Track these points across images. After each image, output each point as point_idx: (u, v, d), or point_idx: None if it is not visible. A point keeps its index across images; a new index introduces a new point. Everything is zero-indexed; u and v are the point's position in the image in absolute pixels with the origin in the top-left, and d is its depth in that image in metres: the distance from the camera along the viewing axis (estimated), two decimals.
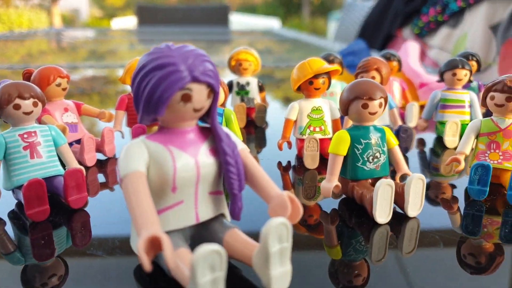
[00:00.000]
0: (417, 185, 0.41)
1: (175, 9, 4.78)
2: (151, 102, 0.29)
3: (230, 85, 0.76)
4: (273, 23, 7.19)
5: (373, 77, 0.62)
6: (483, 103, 0.50)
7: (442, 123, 0.67)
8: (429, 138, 0.72)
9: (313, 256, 0.37)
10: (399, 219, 0.42)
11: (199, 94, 0.30)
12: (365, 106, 0.43)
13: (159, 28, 3.71)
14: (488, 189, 0.46)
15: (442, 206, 0.46)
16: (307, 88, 0.57)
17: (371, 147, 0.44)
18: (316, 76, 0.56)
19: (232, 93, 0.76)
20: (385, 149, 0.45)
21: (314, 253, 0.37)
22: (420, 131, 0.73)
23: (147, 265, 0.26)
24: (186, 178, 0.31)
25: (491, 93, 0.48)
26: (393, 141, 0.46)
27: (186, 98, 0.30)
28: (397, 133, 0.60)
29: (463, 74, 0.66)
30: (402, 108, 0.77)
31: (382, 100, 0.43)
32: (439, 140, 0.68)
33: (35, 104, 0.43)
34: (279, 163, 0.58)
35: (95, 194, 0.48)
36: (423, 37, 2.29)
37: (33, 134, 0.44)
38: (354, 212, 0.43)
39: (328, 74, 0.58)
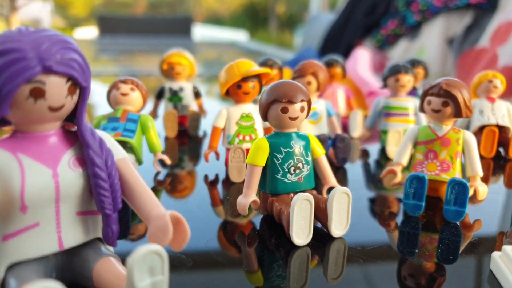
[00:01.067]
0: (341, 200, 0.36)
1: (137, 19, 4.71)
2: None
3: (161, 90, 0.70)
4: (240, 35, 7.19)
5: (309, 82, 0.57)
6: (421, 109, 0.46)
7: (386, 132, 0.63)
8: (374, 148, 0.68)
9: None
10: (322, 239, 0.37)
11: (56, 89, 0.24)
12: (284, 110, 0.37)
13: (120, 39, 3.63)
14: (424, 203, 0.41)
15: (378, 223, 0.42)
16: (236, 92, 0.52)
17: (292, 157, 0.39)
18: (245, 80, 0.51)
19: (164, 99, 0.70)
20: (310, 159, 0.40)
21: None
22: (364, 141, 0.68)
23: None
24: (39, 195, 0.25)
25: (428, 98, 0.44)
26: (319, 150, 0.41)
27: (37, 93, 0.24)
28: (334, 143, 0.55)
29: (406, 80, 0.62)
30: (346, 117, 0.72)
31: (304, 104, 0.38)
32: (384, 151, 0.64)
33: None
34: (206, 177, 0.53)
35: None
36: (383, 49, 2.30)
37: None
38: (277, 232, 0.38)
39: (259, 78, 0.52)
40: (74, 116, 0.27)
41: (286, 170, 0.38)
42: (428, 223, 0.41)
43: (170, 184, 0.51)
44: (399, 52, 2.18)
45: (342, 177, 0.54)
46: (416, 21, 2.13)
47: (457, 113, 0.43)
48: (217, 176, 0.53)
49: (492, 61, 1.66)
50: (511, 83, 1.49)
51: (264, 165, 0.38)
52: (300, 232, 0.35)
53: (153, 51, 2.81)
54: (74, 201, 0.27)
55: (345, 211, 0.37)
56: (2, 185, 0.24)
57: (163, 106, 0.71)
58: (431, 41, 2.02)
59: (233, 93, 0.52)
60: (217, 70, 1.82)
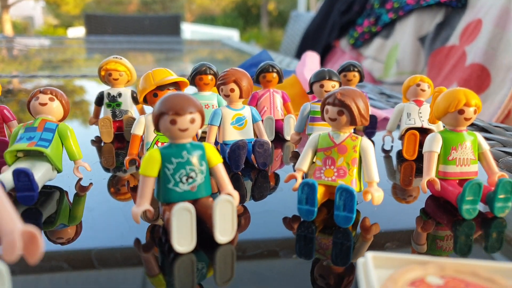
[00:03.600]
0: (223, 207, 0.38)
1: (125, 18, 4.70)
2: None
3: (101, 96, 0.72)
4: (232, 33, 7.20)
5: (232, 89, 0.59)
6: (322, 117, 0.48)
7: None
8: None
9: None
10: (208, 246, 0.39)
11: None
12: (173, 122, 0.39)
13: (108, 37, 3.63)
14: (316, 209, 0.43)
15: (284, 226, 0.44)
16: (153, 101, 0.54)
17: (184, 167, 0.40)
18: (161, 88, 0.53)
19: (104, 105, 0.72)
20: (204, 168, 0.41)
21: None
22: (295, 145, 0.70)
23: None
24: None
25: (325, 107, 0.46)
26: (215, 159, 0.42)
27: None
28: (253, 148, 0.57)
29: (330, 86, 0.64)
30: (281, 121, 0.74)
31: (195, 115, 0.40)
32: None
33: None
34: (127, 183, 0.55)
35: None
36: (359, 48, 2.33)
37: None
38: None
39: (177, 85, 0.54)
40: None
41: (178, 179, 0.40)
42: (325, 227, 0.43)
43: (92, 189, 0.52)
44: (374, 50, 2.20)
45: (264, 182, 0.56)
46: (390, 19, 2.15)
47: (352, 122, 0.45)
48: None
49: (461, 58, 1.69)
50: (478, 80, 1.53)
51: (156, 175, 0.40)
52: (182, 240, 0.37)
53: (142, 50, 2.81)
54: None
55: (230, 218, 0.38)
56: None
57: (102, 112, 0.73)
58: (404, 39, 2.04)
59: (151, 101, 0.54)
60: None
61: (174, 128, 0.39)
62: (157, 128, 0.41)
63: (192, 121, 0.40)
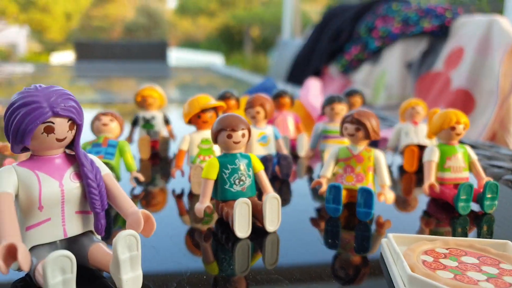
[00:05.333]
0: (272, 202, 0.48)
1: (113, 45, 4.79)
2: (17, 133, 0.35)
3: (136, 119, 0.81)
4: (215, 59, 7.33)
5: (258, 112, 0.70)
6: (341, 133, 0.58)
7: (324, 152, 0.75)
8: (317, 165, 0.80)
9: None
10: (260, 234, 0.49)
11: (61, 126, 0.36)
12: (229, 137, 0.49)
13: (97, 64, 3.72)
14: (341, 207, 0.53)
15: (311, 223, 0.53)
16: (196, 121, 0.64)
17: (237, 172, 0.50)
18: (204, 111, 0.63)
19: (139, 127, 0.82)
20: (251, 173, 0.52)
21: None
22: (308, 159, 0.81)
23: (3, 270, 0.31)
24: (51, 199, 0.36)
25: (344, 125, 0.57)
26: (258, 166, 0.53)
27: (49, 129, 0.35)
28: (278, 161, 0.67)
29: (339, 108, 0.75)
30: (295, 140, 0.85)
31: (245, 131, 0.50)
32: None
33: None
34: (173, 191, 0.64)
35: None
36: (347, 74, 2.44)
37: None
38: (225, 232, 0.49)
39: (215, 109, 0.64)
40: (72, 145, 0.38)
41: (232, 182, 0.50)
42: (347, 223, 0.53)
43: (144, 198, 0.61)
44: (362, 76, 2.33)
45: (286, 190, 0.66)
46: (377, 46, 2.26)
47: (367, 136, 0.56)
48: (182, 191, 0.64)
49: (446, 83, 1.81)
50: (463, 103, 1.65)
51: (215, 178, 0.50)
52: (241, 228, 0.47)
53: (129, 76, 2.91)
54: (74, 204, 0.38)
55: (276, 212, 0.48)
56: (26, 192, 0.36)
57: (138, 132, 0.83)
58: (392, 65, 2.15)
59: (194, 122, 0.64)
60: (192, 94, 1.93)
61: (230, 141, 0.50)
62: (215, 141, 0.51)
63: (243, 135, 0.50)
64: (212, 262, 0.43)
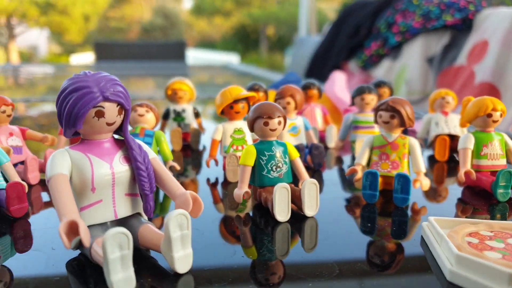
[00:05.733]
0: (310, 188, 0.48)
1: (132, 45, 4.84)
2: (70, 118, 0.36)
3: (167, 112, 0.83)
4: (232, 58, 7.35)
5: (288, 102, 0.70)
6: (375, 121, 0.58)
7: (355, 142, 0.76)
8: (347, 156, 0.80)
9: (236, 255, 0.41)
10: (299, 218, 0.49)
11: (111, 111, 0.37)
12: (266, 124, 0.50)
13: (116, 63, 3.76)
14: (378, 193, 0.53)
15: (346, 211, 0.53)
16: (229, 112, 0.64)
17: (274, 158, 0.51)
18: (236, 102, 0.64)
19: (170, 119, 0.83)
20: (287, 160, 0.52)
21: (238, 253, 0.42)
22: (338, 150, 0.81)
23: (67, 244, 0.32)
24: (102, 181, 0.38)
25: (379, 112, 0.57)
26: (294, 154, 0.53)
27: (99, 114, 0.36)
28: (310, 150, 0.68)
29: (370, 99, 0.75)
30: (323, 131, 0.85)
31: (281, 119, 0.51)
32: (354, 157, 0.76)
33: None
34: (207, 180, 0.65)
35: (39, 209, 0.53)
36: (367, 69, 2.42)
37: None
38: (263, 217, 0.50)
39: (247, 100, 0.65)
40: (120, 129, 0.39)
41: (270, 168, 0.51)
42: (383, 209, 0.53)
43: None
44: (383, 71, 2.31)
45: (319, 179, 0.66)
46: (397, 41, 2.24)
47: (402, 124, 0.56)
48: (216, 179, 0.65)
49: (470, 77, 1.79)
50: None
51: (252, 165, 0.51)
52: (281, 211, 0.47)
53: (149, 76, 2.94)
54: (124, 186, 0.39)
55: (314, 197, 0.49)
56: (79, 174, 0.37)
57: (169, 125, 0.84)
58: (412, 60, 2.13)
59: (227, 112, 0.65)
60: (210, 92, 1.96)
61: (267, 129, 0.50)
62: (251, 129, 0.52)
63: (279, 123, 0.51)
64: (251, 246, 0.43)
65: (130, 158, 0.39)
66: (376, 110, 0.57)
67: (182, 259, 0.36)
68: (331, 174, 0.70)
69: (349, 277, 0.37)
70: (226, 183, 0.63)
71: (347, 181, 0.65)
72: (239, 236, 0.46)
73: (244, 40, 10.53)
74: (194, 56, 7.55)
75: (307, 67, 2.96)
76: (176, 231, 0.35)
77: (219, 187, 0.62)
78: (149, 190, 0.39)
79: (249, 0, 10.31)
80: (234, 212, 0.52)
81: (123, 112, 0.38)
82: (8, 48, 7.32)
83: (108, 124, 0.37)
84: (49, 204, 0.55)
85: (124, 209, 0.40)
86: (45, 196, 0.58)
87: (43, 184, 0.62)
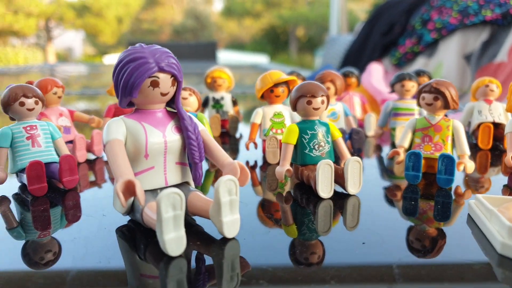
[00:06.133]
0: (354, 165, 0.48)
1: (165, 45, 4.87)
2: (127, 87, 0.37)
3: (206, 99, 0.84)
4: (261, 59, 7.37)
5: (328, 87, 0.70)
6: (418, 103, 0.58)
7: (394, 129, 0.75)
8: (387, 146, 0.79)
9: (275, 233, 0.41)
10: (341, 196, 0.49)
11: (165, 81, 0.38)
12: (309, 103, 0.50)
13: None
14: (421, 174, 0.53)
15: (387, 193, 0.53)
16: (269, 96, 0.65)
17: (316, 137, 0.51)
18: (276, 85, 0.64)
19: (209, 106, 0.84)
20: (330, 139, 0.52)
21: (276, 231, 0.41)
22: (377, 138, 0.80)
23: (123, 202, 0.34)
24: (156, 148, 0.39)
25: (422, 94, 0.56)
26: (337, 134, 0.53)
27: (154, 84, 0.38)
28: (350, 136, 0.68)
29: (410, 86, 0.74)
30: (362, 120, 0.84)
31: (324, 98, 0.51)
32: (394, 145, 0.76)
33: (36, 103, 0.53)
34: (247, 162, 0.65)
35: (86, 185, 0.56)
36: (402, 67, 2.39)
37: (34, 127, 0.53)
38: (304, 195, 0.50)
39: (287, 84, 0.65)
40: (172, 101, 0.41)
41: (312, 147, 0.51)
42: (426, 191, 0.53)
43: (219, 172, 0.63)
44: (417, 69, 2.28)
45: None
46: (433, 38, 2.20)
47: (446, 106, 0.55)
48: (255, 162, 0.65)
49: (511, 75, 1.74)
50: None
51: (295, 143, 0.51)
52: (324, 188, 0.47)
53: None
54: (175, 155, 0.40)
55: (357, 174, 0.49)
56: (133, 141, 0.38)
57: (208, 112, 0.85)
58: (449, 57, 2.09)
59: (267, 96, 0.65)
60: (240, 91, 1.97)
61: (310, 107, 0.50)
62: (294, 109, 0.52)
63: (322, 102, 0.51)
64: (292, 225, 0.43)
65: (181, 128, 0.40)
66: (419, 92, 0.57)
67: (230, 224, 0.37)
68: (370, 162, 0.69)
69: (394, 254, 0.37)
70: (265, 166, 0.63)
71: (386, 168, 0.64)
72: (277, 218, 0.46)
73: (274, 41, 10.54)
74: (224, 57, 7.62)
75: (339, 66, 2.94)
76: (225, 195, 0.36)
77: (258, 170, 0.63)
78: (199, 158, 0.41)
79: (279, 1, 10.32)
80: (273, 193, 0.52)
81: (176, 84, 0.40)
82: (45, 50, 7.54)
83: (162, 94, 0.39)
84: (95, 181, 0.57)
85: (174, 177, 0.41)
86: (90, 176, 0.60)
87: (89, 163, 0.64)
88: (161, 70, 0.37)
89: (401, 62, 2.36)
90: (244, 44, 10.92)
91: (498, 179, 0.59)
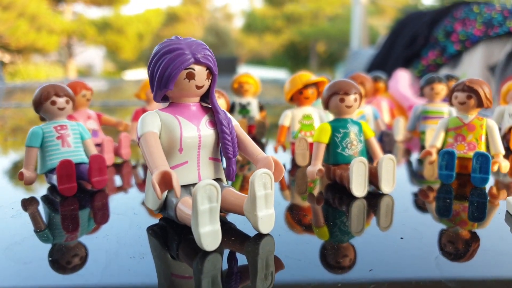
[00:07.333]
0: (388, 163, 0.48)
1: None
2: (163, 78, 0.37)
3: (233, 105, 0.84)
4: (281, 74, 7.39)
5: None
6: (450, 103, 0.57)
7: (424, 133, 0.74)
8: (415, 149, 0.78)
9: (306, 238, 0.39)
10: (375, 195, 0.49)
11: (200, 74, 0.38)
12: (342, 100, 0.50)
13: None
14: (454, 173, 0.52)
15: (420, 196, 0.52)
16: (298, 97, 0.65)
17: (348, 136, 0.51)
18: (305, 87, 0.64)
19: (235, 112, 0.84)
20: (362, 138, 0.52)
21: (307, 235, 0.39)
22: (406, 143, 0.80)
23: (159, 194, 0.34)
24: (190, 142, 0.39)
25: (455, 93, 0.56)
26: (369, 133, 0.53)
27: (190, 76, 0.38)
28: (380, 138, 0.67)
29: (440, 88, 0.73)
30: (390, 125, 0.84)
31: (357, 96, 0.51)
32: (423, 149, 0.75)
33: (67, 102, 0.53)
34: None
35: (114, 188, 0.55)
36: None
37: (64, 127, 0.53)
38: (337, 195, 0.50)
39: (317, 86, 0.65)
40: (206, 97, 0.41)
41: (344, 146, 0.51)
42: (460, 192, 0.52)
43: (244, 179, 0.62)
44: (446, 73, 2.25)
45: None
46: (457, 50, 2.19)
47: (480, 104, 0.54)
48: (284, 166, 0.65)
49: None
50: None
51: (327, 142, 0.51)
52: (358, 186, 0.47)
53: None
54: (208, 149, 0.40)
55: (391, 173, 0.48)
56: (168, 134, 0.38)
57: (234, 118, 0.85)
58: (473, 68, 2.07)
59: (296, 98, 0.65)
60: (265, 101, 1.98)
61: (342, 105, 0.50)
62: (326, 107, 0.52)
63: (355, 100, 0.51)
64: (323, 227, 0.42)
65: (215, 122, 0.40)
66: (452, 91, 0.56)
67: (265, 219, 0.36)
68: (400, 166, 0.68)
69: (432, 251, 0.36)
70: (293, 170, 0.63)
71: (415, 173, 0.64)
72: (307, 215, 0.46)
73: (294, 57, 10.56)
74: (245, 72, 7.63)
75: None
76: (260, 189, 0.36)
77: (286, 174, 0.62)
78: (233, 153, 0.40)
79: (300, 17, 10.37)
80: (302, 197, 0.51)
81: (211, 77, 0.40)
82: (66, 66, 7.70)
83: (198, 87, 0.38)
84: (122, 185, 0.57)
85: (207, 173, 0.41)
86: (117, 179, 0.60)
87: (116, 166, 0.64)
88: (197, 62, 0.37)
89: (424, 74, 2.34)
90: (264, 60, 10.96)
91: None
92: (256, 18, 10.92)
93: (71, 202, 0.48)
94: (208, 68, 0.39)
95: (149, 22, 9.21)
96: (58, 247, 0.36)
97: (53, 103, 0.51)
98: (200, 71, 0.38)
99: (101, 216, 0.44)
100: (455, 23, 2.27)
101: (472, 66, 2.08)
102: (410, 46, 2.52)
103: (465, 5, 2.37)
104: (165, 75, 0.37)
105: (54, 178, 0.50)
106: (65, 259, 0.34)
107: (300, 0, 10.09)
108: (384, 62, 2.73)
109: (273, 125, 0.93)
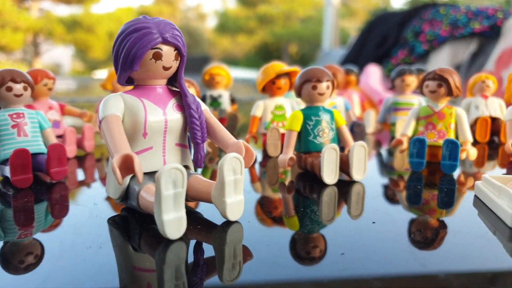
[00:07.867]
0: (359, 150, 0.48)
1: None
2: (128, 58, 0.35)
3: (203, 98, 0.83)
4: (254, 75, 7.40)
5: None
6: (421, 91, 0.58)
7: (395, 124, 0.75)
8: (385, 140, 0.79)
9: (276, 226, 0.38)
10: (346, 183, 0.48)
11: (168, 54, 0.36)
12: (314, 88, 0.50)
13: None
14: (425, 161, 0.52)
15: (391, 185, 0.52)
16: (271, 88, 0.64)
17: (320, 124, 0.50)
18: (278, 77, 0.64)
19: (206, 105, 0.83)
20: (334, 126, 0.52)
21: (276, 223, 0.38)
22: (376, 134, 0.80)
23: (120, 179, 0.32)
24: (155, 127, 0.37)
25: (426, 82, 0.56)
26: (341, 121, 0.53)
27: (157, 56, 0.36)
28: (352, 129, 0.67)
29: (410, 80, 0.74)
30: (361, 118, 0.84)
31: (329, 83, 0.50)
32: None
33: (25, 88, 0.49)
34: None
35: (75, 181, 0.52)
36: None
37: (21, 115, 0.49)
38: (307, 183, 0.49)
39: (289, 76, 0.65)
40: (174, 80, 0.39)
41: (316, 133, 0.50)
42: (429, 180, 0.52)
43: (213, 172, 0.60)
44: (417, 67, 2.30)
45: None
46: (424, 50, 2.24)
47: (450, 93, 0.55)
48: (255, 158, 0.64)
49: (498, 84, 1.77)
50: None
51: (298, 130, 0.51)
52: (330, 173, 0.47)
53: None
54: (175, 135, 0.38)
55: (363, 160, 0.48)
56: (132, 117, 0.36)
57: None
58: (439, 68, 2.12)
59: (268, 88, 0.65)
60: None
61: (315, 93, 0.50)
62: (298, 95, 0.52)
63: (327, 87, 0.50)
64: (293, 217, 0.40)
65: (183, 106, 0.39)
66: (423, 80, 0.57)
67: (234, 206, 0.35)
68: (370, 157, 0.69)
69: (403, 235, 0.36)
70: (265, 161, 0.62)
71: (386, 164, 0.64)
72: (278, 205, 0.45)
73: (267, 58, 10.54)
74: None
75: None
76: (230, 174, 0.34)
77: (256, 166, 0.61)
78: (201, 139, 0.39)
79: (273, 18, 10.39)
80: (273, 188, 0.50)
81: (180, 58, 0.38)
82: (32, 65, 7.50)
83: (165, 68, 0.37)
84: (84, 181, 0.54)
85: (173, 159, 0.39)
86: (80, 173, 0.57)
87: (79, 159, 0.62)
88: (165, 41, 0.36)
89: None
90: (237, 60, 10.94)
91: (496, 172, 0.59)
92: (229, 19, 10.90)
93: (25, 194, 0.44)
94: (177, 48, 0.37)
95: (120, 21, 9.05)
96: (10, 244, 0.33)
97: (9, 89, 0.48)
98: (168, 52, 0.36)
99: (58, 208, 0.41)
100: (423, 24, 2.33)
101: (439, 65, 2.13)
102: (380, 45, 2.57)
103: (433, 7, 2.43)
104: (130, 55, 0.35)
105: (7, 170, 0.46)
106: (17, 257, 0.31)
107: (273, 1, 10.11)
108: (355, 61, 2.76)
109: (245, 125, 0.91)
